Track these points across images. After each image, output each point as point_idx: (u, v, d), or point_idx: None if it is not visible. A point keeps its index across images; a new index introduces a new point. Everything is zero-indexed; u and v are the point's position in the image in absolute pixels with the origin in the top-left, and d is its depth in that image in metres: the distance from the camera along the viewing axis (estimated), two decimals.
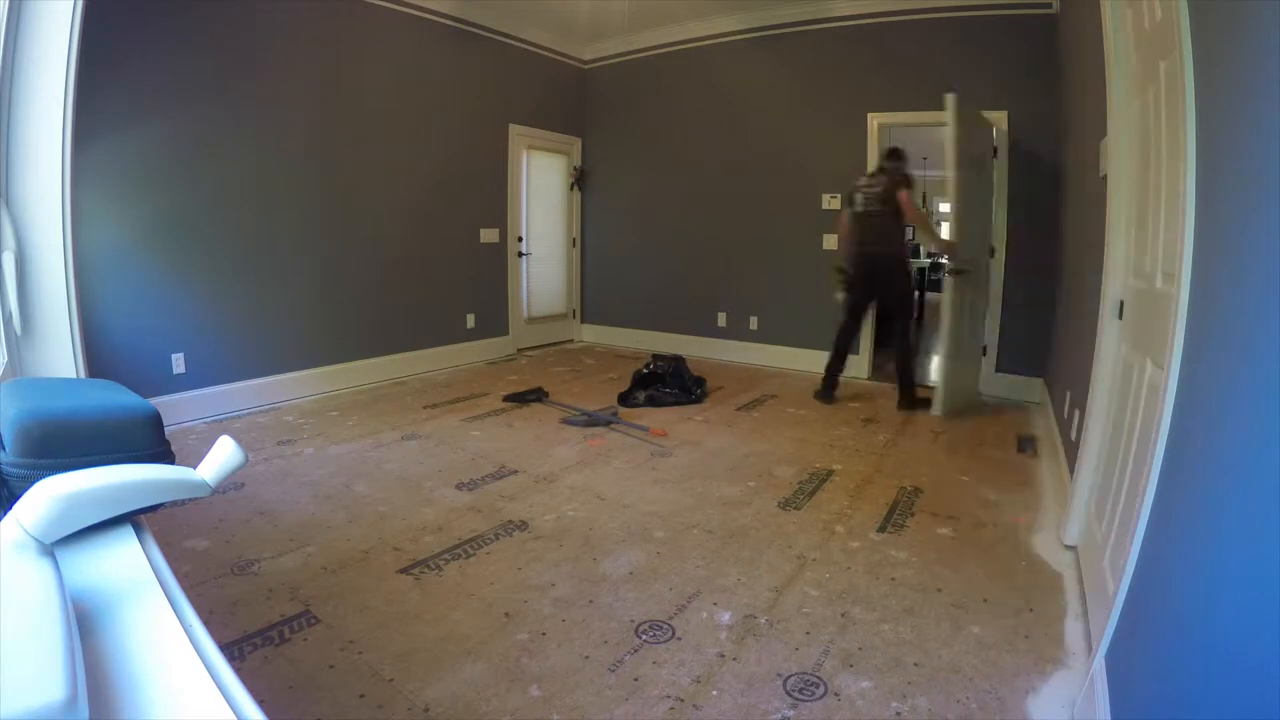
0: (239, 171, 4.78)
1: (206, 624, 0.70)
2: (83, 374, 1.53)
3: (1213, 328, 1.43)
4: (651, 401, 5.23)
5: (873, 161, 6.10)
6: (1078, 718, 1.86)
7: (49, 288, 1.49)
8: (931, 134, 10.79)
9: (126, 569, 0.77)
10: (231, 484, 3.41)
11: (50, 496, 0.70)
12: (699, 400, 5.38)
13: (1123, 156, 2.66)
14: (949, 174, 4.93)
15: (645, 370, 5.41)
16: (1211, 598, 1.19)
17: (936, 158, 13.30)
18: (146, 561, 0.79)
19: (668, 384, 5.34)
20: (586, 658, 2.14)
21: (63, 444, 0.87)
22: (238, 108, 4.72)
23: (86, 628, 0.64)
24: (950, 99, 4.78)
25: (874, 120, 6.12)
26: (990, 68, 5.54)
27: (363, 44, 5.51)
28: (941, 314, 5.10)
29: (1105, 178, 2.84)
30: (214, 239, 4.70)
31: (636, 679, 2.04)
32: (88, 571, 0.75)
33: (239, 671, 0.63)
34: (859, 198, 5.25)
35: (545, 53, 7.35)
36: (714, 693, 1.99)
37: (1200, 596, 1.24)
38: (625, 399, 5.27)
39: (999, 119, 5.53)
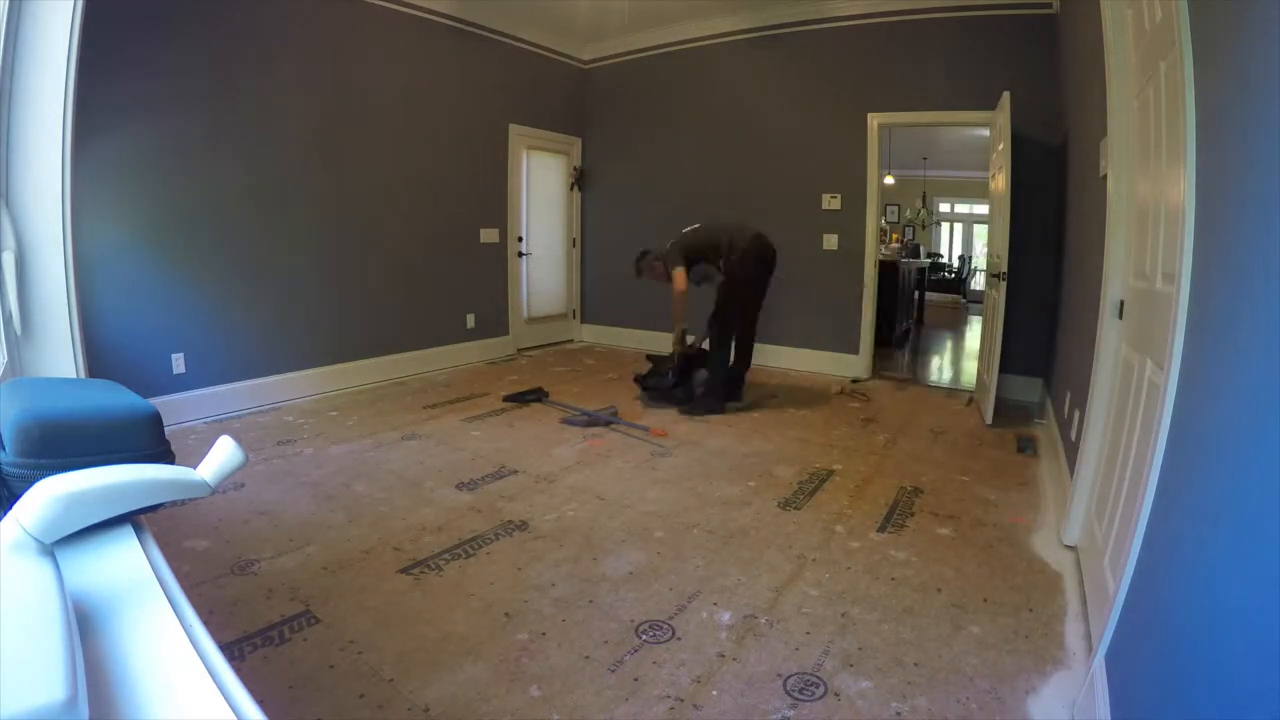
0: (239, 170, 4.78)
1: (206, 624, 0.70)
2: (83, 374, 1.54)
3: (1213, 328, 1.44)
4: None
5: (872, 160, 6.12)
6: (1078, 718, 1.86)
7: (49, 288, 1.49)
8: (926, 134, 10.86)
9: (126, 569, 0.77)
10: (231, 484, 3.41)
11: (50, 496, 0.70)
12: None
13: (1123, 156, 2.66)
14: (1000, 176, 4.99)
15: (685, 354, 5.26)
16: (1211, 597, 1.19)
17: (936, 157, 13.38)
18: (146, 562, 0.79)
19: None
20: (587, 658, 2.14)
21: (63, 444, 0.87)
22: (238, 106, 4.72)
23: (86, 628, 0.64)
24: (1006, 96, 4.89)
25: (874, 120, 6.12)
26: (990, 68, 5.54)
27: (363, 44, 5.51)
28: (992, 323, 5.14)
29: (1105, 178, 2.84)
30: (214, 238, 4.70)
31: (637, 679, 2.04)
32: (88, 572, 0.75)
33: (239, 671, 0.63)
34: None
35: (545, 53, 7.35)
36: (714, 693, 1.99)
37: (1200, 596, 1.25)
38: (650, 379, 5.29)
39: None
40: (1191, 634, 1.25)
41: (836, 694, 1.98)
